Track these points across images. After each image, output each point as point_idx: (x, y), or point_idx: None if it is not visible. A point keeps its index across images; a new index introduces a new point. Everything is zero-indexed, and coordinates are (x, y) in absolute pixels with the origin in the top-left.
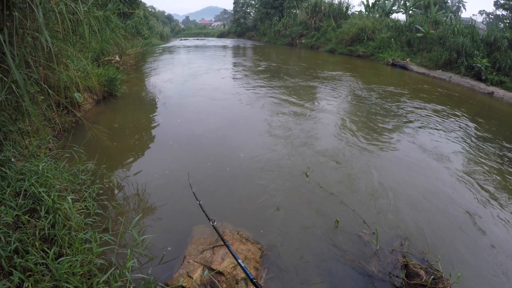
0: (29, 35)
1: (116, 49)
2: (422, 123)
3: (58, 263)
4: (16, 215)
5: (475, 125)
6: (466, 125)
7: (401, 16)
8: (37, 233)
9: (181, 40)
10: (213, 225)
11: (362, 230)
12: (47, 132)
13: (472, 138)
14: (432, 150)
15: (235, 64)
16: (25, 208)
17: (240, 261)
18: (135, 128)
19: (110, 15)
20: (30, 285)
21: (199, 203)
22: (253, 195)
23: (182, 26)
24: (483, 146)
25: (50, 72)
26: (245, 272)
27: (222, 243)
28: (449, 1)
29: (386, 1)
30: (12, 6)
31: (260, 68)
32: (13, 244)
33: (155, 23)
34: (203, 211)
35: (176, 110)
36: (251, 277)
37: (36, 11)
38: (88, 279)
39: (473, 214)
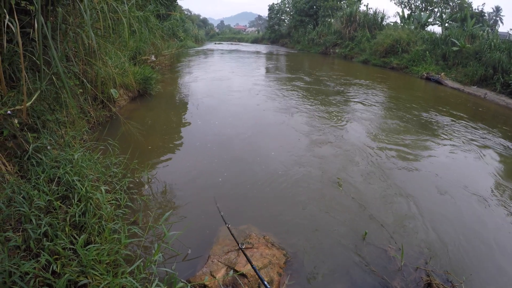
0: (71, 30)
1: (152, 49)
2: (456, 142)
3: (86, 250)
4: (49, 200)
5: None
6: (503, 146)
7: (436, 29)
8: (67, 219)
9: (215, 43)
10: (241, 249)
11: (388, 244)
12: (82, 124)
13: (507, 160)
14: (466, 171)
15: (267, 70)
16: (57, 194)
17: (266, 282)
18: (167, 126)
19: (149, 15)
20: (57, 268)
21: (228, 227)
22: (282, 200)
23: (217, 30)
24: None
25: (89, 68)
26: None
27: (248, 246)
28: (486, 15)
29: (422, 13)
30: (56, 2)
31: (292, 76)
32: (43, 227)
33: (190, 26)
34: (232, 234)
35: (208, 112)
36: None
37: (81, 8)
38: (114, 268)
39: (503, 239)
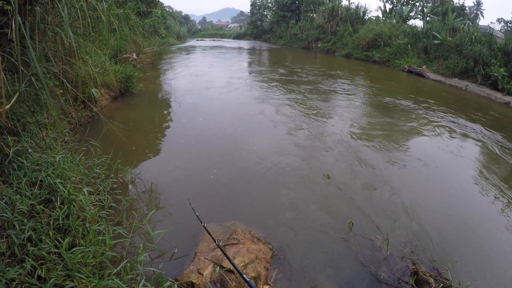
0: (50, 30)
1: (133, 47)
2: (437, 130)
3: (71, 253)
4: (31, 204)
5: (490, 134)
6: (482, 134)
7: (418, 23)
8: (51, 223)
9: (197, 40)
10: (218, 246)
11: (375, 235)
12: (64, 125)
13: (487, 148)
14: (447, 158)
15: (249, 65)
16: (40, 198)
17: (245, 276)
18: (150, 125)
19: (130, 13)
20: (42, 273)
21: (204, 226)
22: (266, 194)
23: (199, 27)
24: (497, 155)
25: (69, 67)
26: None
27: (234, 242)
28: (467, 8)
29: (404, 7)
30: (34, 1)
31: (273, 71)
32: (27, 232)
33: (172, 22)
34: (208, 233)
35: (191, 109)
36: None
37: (59, 7)
38: (100, 270)
39: (486, 224)
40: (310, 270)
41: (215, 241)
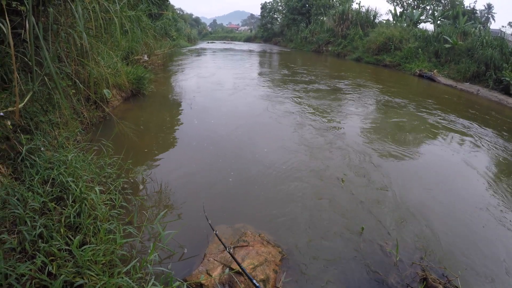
0: (62, 31)
1: (145, 49)
2: (448, 136)
3: (81, 251)
4: (43, 201)
5: (502, 140)
6: (494, 140)
7: (429, 26)
8: (62, 220)
9: (208, 43)
10: (229, 252)
11: (385, 240)
12: (76, 125)
13: (499, 154)
14: (459, 163)
15: (260, 68)
16: (52, 195)
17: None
18: (163, 126)
19: (141, 15)
20: (53, 269)
21: (215, 233)
22: (276, 197)
23: (209, 29)
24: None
25: (81, 68)
26: None
27: (244, 244)
28: (478, 12)
29: (414, 11)
30: (47, 2)
31: (283, 74)
32: (38, 229)
33: (183, 25)
34: (219, 239)
35: (202, 110)
36: None
37: (73, 8)
38: (110, 268)
39: (497, 232)
40: (318, 274)
41: (225, 248)
